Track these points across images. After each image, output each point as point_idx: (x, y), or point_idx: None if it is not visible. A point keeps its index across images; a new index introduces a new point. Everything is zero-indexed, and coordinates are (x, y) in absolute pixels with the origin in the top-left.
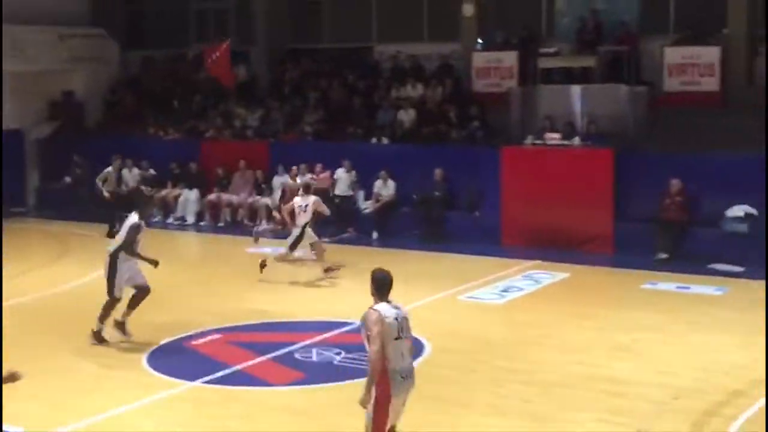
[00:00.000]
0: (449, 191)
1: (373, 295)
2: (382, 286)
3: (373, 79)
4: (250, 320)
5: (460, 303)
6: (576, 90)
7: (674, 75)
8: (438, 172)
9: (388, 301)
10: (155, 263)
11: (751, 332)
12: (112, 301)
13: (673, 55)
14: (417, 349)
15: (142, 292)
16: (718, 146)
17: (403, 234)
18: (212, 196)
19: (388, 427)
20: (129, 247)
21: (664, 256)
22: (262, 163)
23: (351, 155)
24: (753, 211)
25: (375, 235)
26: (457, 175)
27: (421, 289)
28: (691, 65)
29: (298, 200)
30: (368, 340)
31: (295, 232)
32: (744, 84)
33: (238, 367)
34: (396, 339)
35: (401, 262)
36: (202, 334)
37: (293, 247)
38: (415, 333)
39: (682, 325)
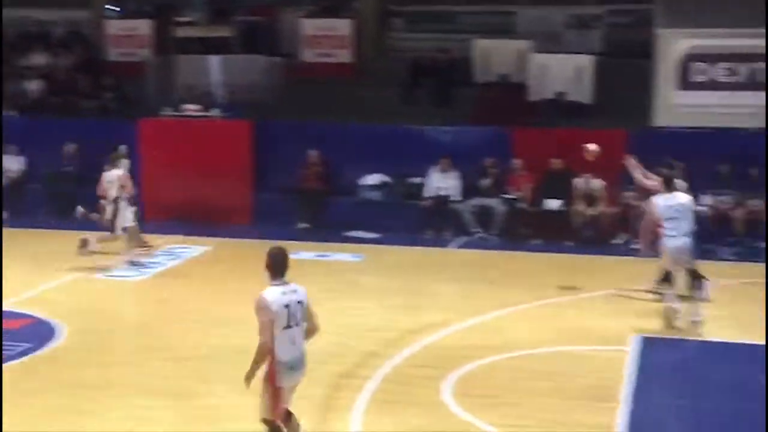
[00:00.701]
0: (83, 166)
1: (269, 275)
2: (275, 265)
3: None
4: None
5: (98, 282)
6: (214, 60)
7: (310, 46)
8: (70, 146)
9: (285, 283)
10: None
11: (385, 296)
12: None
13: (309, 26)
14: (50, 334)
15: None
16: (354, 117)
17: (35, 212)
18: None
19: (280, 415)
20: None
21: (304, 225)
22: None
23: None
24: (387, 179)
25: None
26: (92, 148)
27: (53, 269)
28: (326, 37)
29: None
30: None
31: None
32: (375, 56)
33: None
34: (286, 328)
35: (32, 242)
36: None
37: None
38: (47, 316)
39: (322, 292)
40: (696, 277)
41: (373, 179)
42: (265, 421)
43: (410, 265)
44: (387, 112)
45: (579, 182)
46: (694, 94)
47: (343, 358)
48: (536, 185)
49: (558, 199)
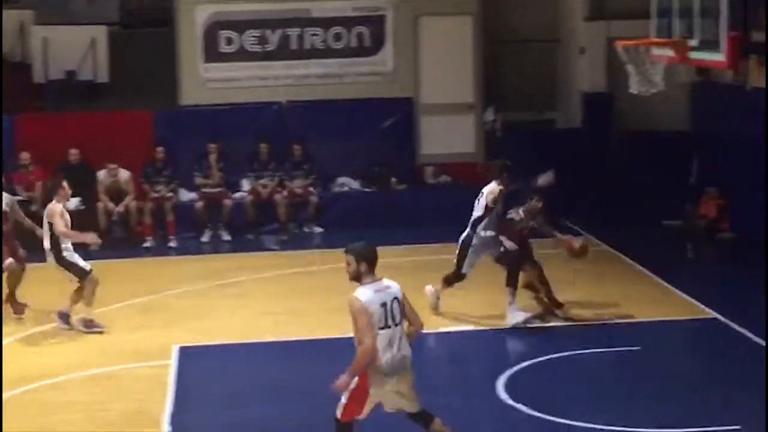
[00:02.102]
0: None
1: (356, 275)
2: (366, 261)
3: None
4: None
5: None
6: None
7: None
8: None
9: (376, 280)
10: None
11: None
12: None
13: None
14: None
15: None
16: None
17: None
18: None
19: (358, 416)
20: None
21: None
22: None
23: None
24: None
25: None
26: None
27: None
28: None
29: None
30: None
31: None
32: None
33: None
34: (383, 328)
35: None
36: None
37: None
38: None
39: None
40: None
41: None
42: (337, 421)
43: None
44: None
45: (102, 175)
46: (223, 67)
47: None
48: (50, 182)
49: (78, 196)
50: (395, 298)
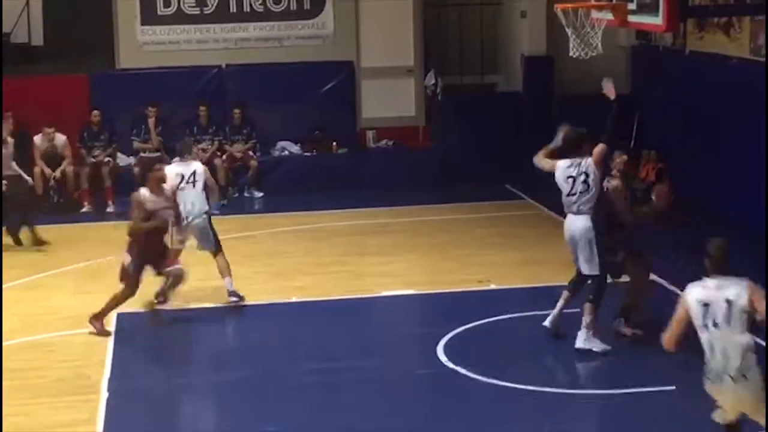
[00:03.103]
0: None
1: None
2: (707, 256)
3: None
4: None
5: None
6: None
7: None
8: None
9: (718, 278)
10: None
11: None
12: None
13: None
14: None
15: None
16: None
17: None
18: None
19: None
20: None
21: None
22: None
23: None
24: None
25: None
26: None
27: None
28: None
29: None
30: None
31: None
32: None
33: None
34: (701, 327)
35: None
36: None
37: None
38: None
39: None
40: None
41: None
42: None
43: None
44: None
45: (38, 139)
46: (161, 29)
47: None
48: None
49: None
50: (727, 299)
